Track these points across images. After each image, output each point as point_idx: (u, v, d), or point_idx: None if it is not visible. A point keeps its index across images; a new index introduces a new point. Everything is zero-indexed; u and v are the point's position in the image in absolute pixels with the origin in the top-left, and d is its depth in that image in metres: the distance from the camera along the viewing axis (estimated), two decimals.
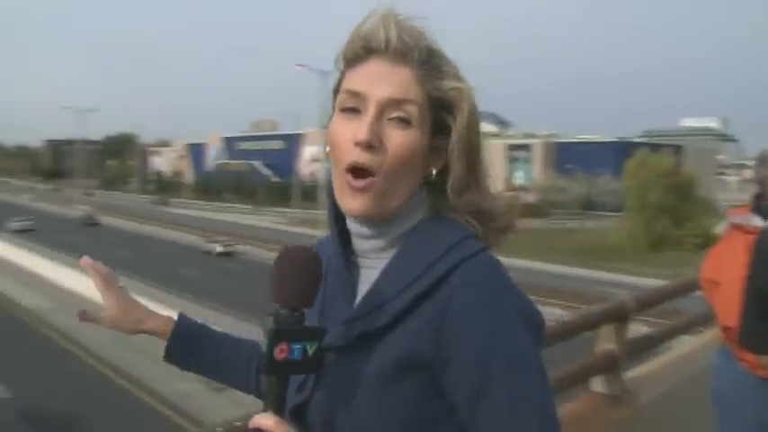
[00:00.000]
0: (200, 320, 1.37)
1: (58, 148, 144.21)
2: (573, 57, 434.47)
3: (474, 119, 1.11)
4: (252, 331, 1.75)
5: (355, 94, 1.09)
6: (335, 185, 1.11)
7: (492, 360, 1.00)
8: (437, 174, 1.12)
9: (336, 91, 1.14)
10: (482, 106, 1.12)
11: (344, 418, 1.04)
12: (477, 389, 1.00)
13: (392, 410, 1.03)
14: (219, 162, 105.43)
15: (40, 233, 54.35)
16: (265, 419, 0.98)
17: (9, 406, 18.80)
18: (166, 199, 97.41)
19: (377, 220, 1.11)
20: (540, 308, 1.09)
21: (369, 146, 1.06)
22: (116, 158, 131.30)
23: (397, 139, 1.07)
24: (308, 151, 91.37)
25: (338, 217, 1.16)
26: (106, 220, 70.29)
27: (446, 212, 1.12)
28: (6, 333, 26.52)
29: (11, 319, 29.09)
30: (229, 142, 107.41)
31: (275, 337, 0.96)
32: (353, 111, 1.09)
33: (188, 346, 1.32)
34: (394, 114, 1.08)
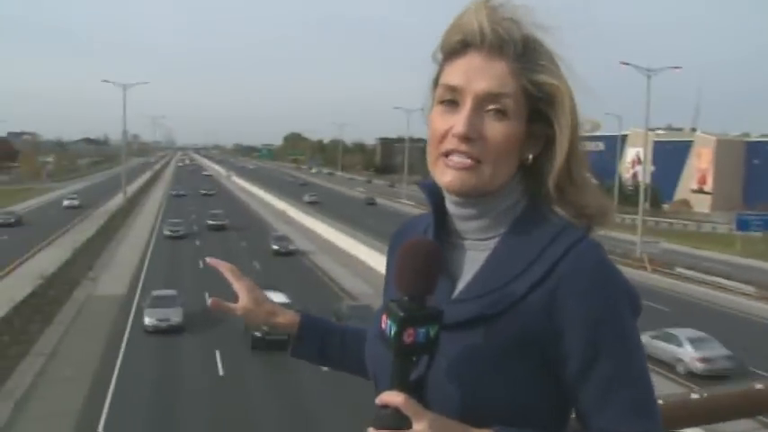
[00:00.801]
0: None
1: (389, 145, 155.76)
2: None
3: (572, 113, 1.14)
4: None
5: (453, 88, 1.13)
6: (433, 168, 1.16)
7: (600, 337, 1.07)
8: (533, 158, 1.16)
9: (436, 82, 1.18)
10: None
11: (462, 392, 1.09)
12: (586, 364, 1.07)
13: (507, 384, 1.08)
14: None
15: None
16: (394, 397, 1.04)
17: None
18: None
19: (474, 199, 1.15)
20: None
21: (467, 138, 1.11)
22: None
23: (494, 131, 1.11)
24: (631, 153, 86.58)
25: (436, 202, 1.21)
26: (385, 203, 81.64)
27: (542, 197, 1.17)
28: None
29: None
30: None
31: (403, 323, 1.03)
32: (452, 103, 1.14)
33: (313, 342, 1.42)
34: (491, 107, 1.12)
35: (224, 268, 1.41)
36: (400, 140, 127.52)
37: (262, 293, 1.40)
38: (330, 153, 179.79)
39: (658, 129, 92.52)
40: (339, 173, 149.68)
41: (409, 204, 77.82)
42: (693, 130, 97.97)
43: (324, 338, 1.43)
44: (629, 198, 68.62)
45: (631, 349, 1.09)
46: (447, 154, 1.13)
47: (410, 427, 1.03)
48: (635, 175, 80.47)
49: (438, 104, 1.16)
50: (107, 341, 24.83)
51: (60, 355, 23.25)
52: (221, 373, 21.88)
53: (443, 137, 1.13)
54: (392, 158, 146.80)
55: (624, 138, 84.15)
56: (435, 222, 1.22)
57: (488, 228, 1.17)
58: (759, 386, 1.83)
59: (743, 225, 53.96)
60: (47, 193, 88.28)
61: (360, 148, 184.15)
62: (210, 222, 55.65)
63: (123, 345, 24.40)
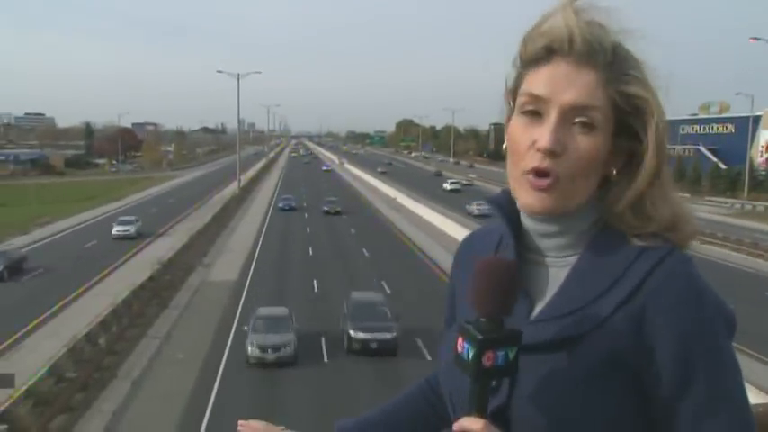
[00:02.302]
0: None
1: (502, 131, 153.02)
2: None
3: (662, 128, 1.08)
4: None
5: (537, 98, 1.06)
6: (513, 182, 1.10)
7: (693, 354, 1.01)
8: (617, 172, 1.10)
9: (513, 89, 1.11)
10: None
11: (544, 417, 1.04)
12: (679, 383, 1.02)
13: (596, 408, 1.03)
14: None
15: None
16: (473, 423, 1.00)
17: None
18: None
19: (556, 217, 1.10)
20: None
21: (552, 153, 1.03)
22: None
23: (581, 145, 1.04)
24: (765, 135, 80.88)
25: (510, 216, 1.15)
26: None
27: (625, 213, 1.09)
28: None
29: None
30: (671, 125, 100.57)
31: (482, 346, 0.99)
32: (535, 114, 1.06)
33: None
34: (577, 119, 1.05)
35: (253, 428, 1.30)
36: None
37: None
38: (443, 139, 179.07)
39: None
40: (451, 159, 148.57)
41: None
42: None
43: None
44: (762, 184, 64.13)
45: (727, 366, 1.03)
46: (530, 171, 1.05)
47: None
48: None
49: (519, 115, 1.08)
50: (217, 326, 25.38)
51: (174, 339, 23.95)
52: (326, 359, 21.86)
53: (526, 150, 1.06)
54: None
55: (757, 119, 78.63)
56: (513, 237, 1.15)
57: (568, 245, 1.12)
58: None
59: None
60: (167, 181, 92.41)
61: (473, 133, 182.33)
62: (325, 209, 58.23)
63: (232, 331, 24.84)
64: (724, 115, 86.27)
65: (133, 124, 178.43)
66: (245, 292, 30.28)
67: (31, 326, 24.85)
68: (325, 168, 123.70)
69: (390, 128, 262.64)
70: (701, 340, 1.02)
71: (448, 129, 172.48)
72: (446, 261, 37.56)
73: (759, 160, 78.49)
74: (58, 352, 19.65)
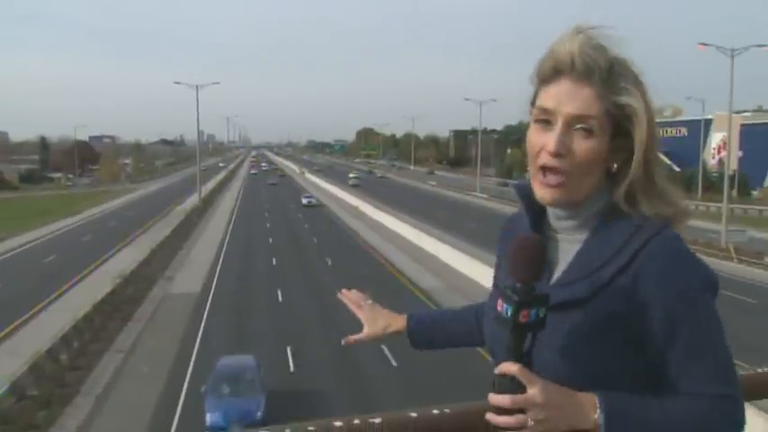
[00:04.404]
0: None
1: (462, 138, 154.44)
2: None
3: (650, 128, 1.32)
4: None
5: (546, 110, 1.32)
6: (532, 180, 1.36)
7: (679, 310, 1.26)
8: (617, 168, 1.36)
9: (533, 102, 1.36)
10: None
11: (562, 362, 1.30)
12: (668, 335, 1.26)
13: (599, 356, 1.29)
14: None
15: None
16: (511, 366, 1.22)
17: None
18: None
19: (566, 206, 1.36)
20: None
21: (558, 154, 1.30)
22: (515, 147, 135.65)
23: (582, 147, 1.30)
24: (716, 138, 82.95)
25: (530, 201, 1.41)
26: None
27: (625, 200, 1.34)
28: None
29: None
30: None
31: (519, 306, 1.22)
32: (546, 122, 1.33)
33: (422, 335, 1.80)
34: (579, 126, 1.30)
35: (349, 300, 1.85)
36: (473, 132, 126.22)
37: (376, 311, 1.83)
38: (403, 147, 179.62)
39: (746, 111, 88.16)
40: (411, 167, 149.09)
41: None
42: None
43: (431, 329, 1.81)
44: (713, 185, 65.79)
45: (710, 321, 1.28)
46: (543, 169, 1.33)
47: (525, 391, 1.21)
48: (721, 161, 76.85)
49: (534, 123, 1.34)
50: (182, 338, 25.19)
51: (137, 353, 23.71)
52: (291, 369, 21.86)
53: (539, 152, 1.33)
54: (465, 151, 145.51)
55: (709, 122, 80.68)
56: (532, 219, 1.43)
57: (580, 225, 1.38)
58: None
59: None
60: (126, 195, 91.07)
61: (433, 141, 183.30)
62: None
63: (197, 341, 24.67)
64: (677, 119, 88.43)
65: (90, 137, 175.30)
66: (208, 305, 30.05)
67: None
68: (306, 202, 72.84)
69: (351, 136, 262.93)
70: (685, 300, 1.26)
71: (408, 136, 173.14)
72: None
73: (711, 162, 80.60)
74: (19, 369, 19.32)
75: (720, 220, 43.62)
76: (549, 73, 1.34)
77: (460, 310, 1.83)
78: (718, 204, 49.50)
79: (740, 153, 77.15)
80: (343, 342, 1.81)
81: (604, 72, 1.30)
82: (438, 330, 1.81)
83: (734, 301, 27.15)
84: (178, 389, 20.11)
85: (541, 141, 1.32)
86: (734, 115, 54.15)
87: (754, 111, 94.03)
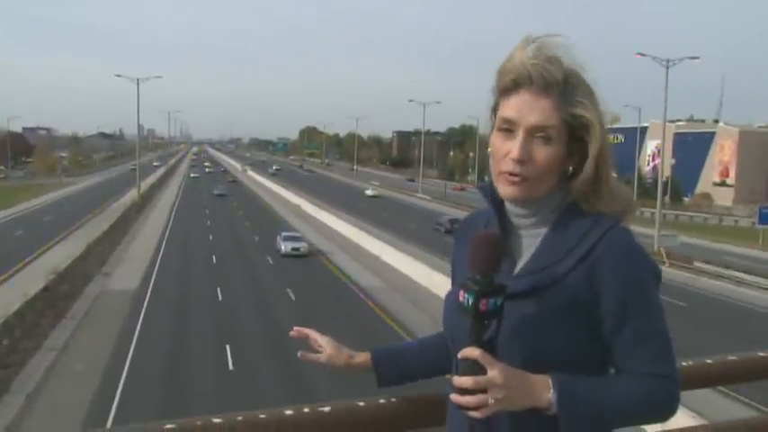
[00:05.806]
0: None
1: (405, 139, 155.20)
2: None
3: (602, 136, 1.47)
4: None
5: (509, 120, 1.45)
6: (494, 177, 1.49)
7: (629, 298, 1.40)
8: (573, 169, 1.49)
9: (494, 110, 1.51)
10: None
11: (523, 347, 1.41)
12: (618, 320, 1.41)
13: (557, 341, 1.41)
14: None
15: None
16: (472, 351, 1.33)
17: None
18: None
19: (526, 203, 1.49)
20: None
21: (520, 161, 1.43)
22: (458, 149, 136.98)
23: (542, 153, 1.44)
24: (651, 145, 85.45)
25: (495, 199, 1.53)
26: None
27: (581, 197, 1.48)
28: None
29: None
30: None
31: (478, 296, 1.33)
32: (509, 131, 1.45)
33: (389, 371, 1.72)
34: (539, 134, 1.43)
35: (306, 334, 1.73)
36: (417, 134, 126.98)
37: (340, 345, 1.73)
38: (347, 147, 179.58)
39: (679, 120, 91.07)
40: (355, 167, 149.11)
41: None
42: (716, 121, 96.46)
43: (398, 363, 1.74)
44: (648, 191, 67.71)
45: (655, 309, 1.43)
46: (505, 173, 1.45)
47: (485, 373, 1.32)
48: (655, 168, 79.15)
49: (497, 130, 1.47)
50: (118, 336, 24.69)
51: (71, 351, 23.13)
52: (230, 367, 21.67)
53: (502, 157, 1.46)
54: (408, 152, 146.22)
55: (644, 130, 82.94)
56: (498, 216, 1.53)
57: (540, 221, 1.50)
58: (762, 354, 2.20)
59: (766, 218, 53.00)
60: (62, 188, 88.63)
61: (376, 141, 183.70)
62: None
63: (134, 339, 24.21)
64: (614, 126, 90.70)
65: (24, 128, 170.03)
66: (146, 301, 29.53)
67: None
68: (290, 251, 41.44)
69: (294, 135, 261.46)
70: (635, 289, 1.41)
71: (351, 136, 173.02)
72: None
73: (646, 169, 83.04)
74: None
75: (654, 226, 45.01)
76: (510, 85, 1.45)
77: (428, 337, 1.79)
78: (652, 210, 50.98)
79: (673, 161, 79.64)
80: (299, 355, 1.68)
81: (561, 84, 1.43)
82: (408, 363, 1.74)
83: (665, 304, 27.94)
84: (113, 388, 19.69)
85: (505, 148, 1.45)
86: (668, 124, 55.93)
87: (687, 120, 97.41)
